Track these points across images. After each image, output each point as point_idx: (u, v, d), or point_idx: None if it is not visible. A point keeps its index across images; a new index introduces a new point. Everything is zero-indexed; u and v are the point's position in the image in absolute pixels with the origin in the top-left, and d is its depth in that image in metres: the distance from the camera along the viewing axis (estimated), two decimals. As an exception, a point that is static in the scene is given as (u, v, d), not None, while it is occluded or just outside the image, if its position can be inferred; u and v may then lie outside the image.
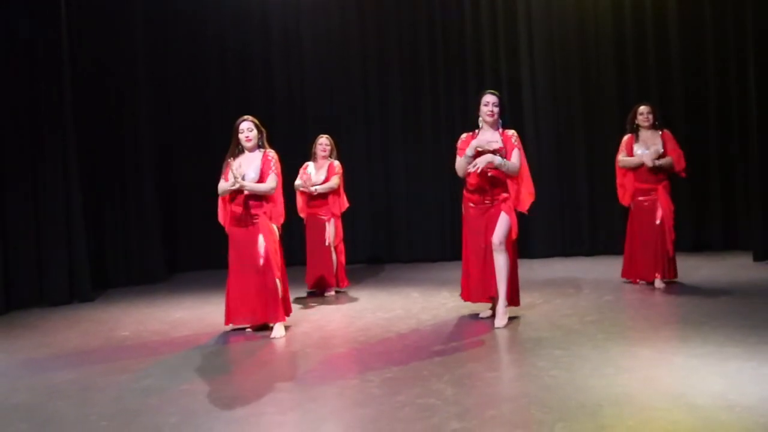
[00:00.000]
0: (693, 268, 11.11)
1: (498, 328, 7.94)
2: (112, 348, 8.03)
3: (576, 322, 8.05)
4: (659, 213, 9.90)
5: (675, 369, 6.14)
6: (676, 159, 10.00)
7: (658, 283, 9.86)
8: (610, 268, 11.53)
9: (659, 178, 9.98)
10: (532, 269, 11.89)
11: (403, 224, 14.28)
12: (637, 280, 10.16)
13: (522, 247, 11.81)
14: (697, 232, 13.39)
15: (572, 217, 13.84)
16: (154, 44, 13.64)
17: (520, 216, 8.23)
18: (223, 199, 8.39)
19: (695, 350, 6.63)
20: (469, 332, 7.96)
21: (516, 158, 8.03)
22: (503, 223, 7.99)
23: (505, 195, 8.05)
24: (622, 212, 11.60)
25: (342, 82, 14.53)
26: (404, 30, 14.37)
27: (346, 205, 10.91)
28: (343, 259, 10.85)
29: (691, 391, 5.50)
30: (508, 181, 8.07)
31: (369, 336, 7.94)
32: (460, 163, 8.16)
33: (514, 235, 8.08)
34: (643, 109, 10.13)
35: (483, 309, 8.59)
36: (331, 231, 10.63)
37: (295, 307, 9.61)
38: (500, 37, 14.05)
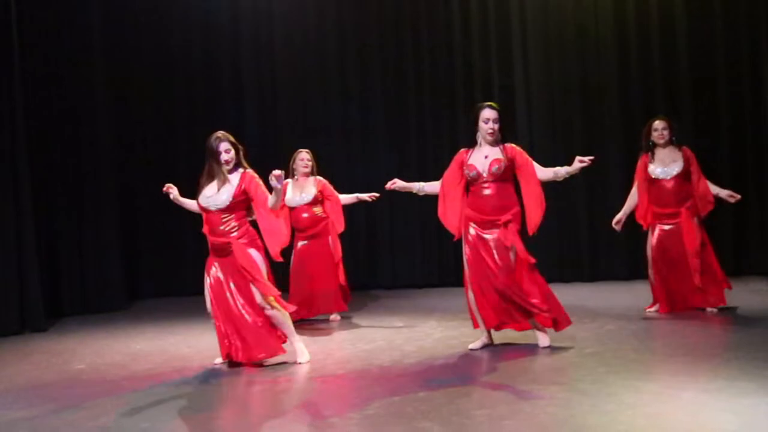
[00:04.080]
0: (702, 295, 11.13)
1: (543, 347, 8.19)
2: (66, 382, 7.95)
3: (574, 354, 8.03)
4: (687, 239, 9.90)
5: (683, 405, 6.12)
6: (701, 198, 9.94)
7: (710, 311, 9.88)
8: (611, 295, 11.54)
9: (681, 198, 9.93)
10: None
11: (386, 247, 14.26)
12: (671, 310, 10.07)
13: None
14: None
15: (571, 240, 13.83)
16: (113, 52, 13.62)
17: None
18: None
19: (705, 385, 6.61)
20: (457, 365, 7.93)
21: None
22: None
23: (509, 215, 8.16)
24: (625, 235, 11.61)
25: (318, 92, 14.53)
26: (386, 34, 14.39)
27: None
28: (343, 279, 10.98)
29: (701, 429, 5.48)
30: (525, 200, 8.20)
31: (348, 369, 7.91)
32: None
33: (531, 259, 8.16)
34: (657, 124, 10.05)
35: (473, 340, 8.58)
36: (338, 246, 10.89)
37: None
38: (492, 41, 14.07)
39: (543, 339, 8.31)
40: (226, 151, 8.13)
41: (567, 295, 12.16)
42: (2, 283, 11.04)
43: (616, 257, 13.30)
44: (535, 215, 8.23)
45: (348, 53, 14.52)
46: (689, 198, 9.96)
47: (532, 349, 8.36)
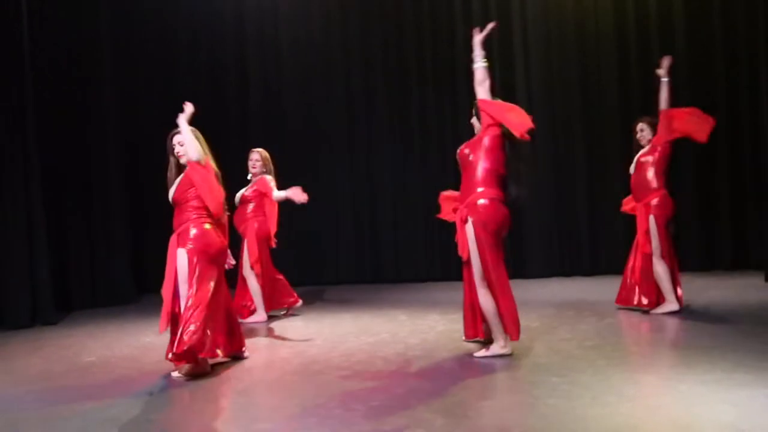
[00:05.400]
0: (700, 289, 11.12)
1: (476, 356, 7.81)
2: (76, 375, 7.97)
3: (575, 347, 8.03)
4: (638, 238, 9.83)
5: (681, 397, 6.13)
6: (663, 124, 9.75)
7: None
8: (611, 288, 11.51)
9: (640, 193, 9.74)
10: (528, 290, 11.87)
11: (390, 242, 14.26)
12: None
13: (518, 266, 11.83)
14: (705, 250, 13.41)
15: (571, 234, 13.84)
16: (121, 48, 13.65)
17: (516, 234, 8.17)
18: None
19: (703, 376, 6.62)
20: (460, 357, 7.93)
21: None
22: (472, 249, 7.54)
23: (476, 195, 7.56)
24: (624, 229, 11.61)
25: (323, 91, 14.55)
26: (389, 33, 14.41)
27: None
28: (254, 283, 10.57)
29: (699, 420, 5.49)
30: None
31: (353, 362, 7.90)
32: None
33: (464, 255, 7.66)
34: (638, 127, 9.96)
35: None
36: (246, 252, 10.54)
37: (273, 330, 9.65)
38: (493, 40, 14.03)
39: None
40: (180, 143, 7.86)
41: (567, 288, 12.21)
42: (13, 277, 11.07)
43: (616, 251, 13.27)
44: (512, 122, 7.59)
45: (352, 52, 14.53)
46: (649, 194, 9.69)
47: (533, 342, 8.36)
